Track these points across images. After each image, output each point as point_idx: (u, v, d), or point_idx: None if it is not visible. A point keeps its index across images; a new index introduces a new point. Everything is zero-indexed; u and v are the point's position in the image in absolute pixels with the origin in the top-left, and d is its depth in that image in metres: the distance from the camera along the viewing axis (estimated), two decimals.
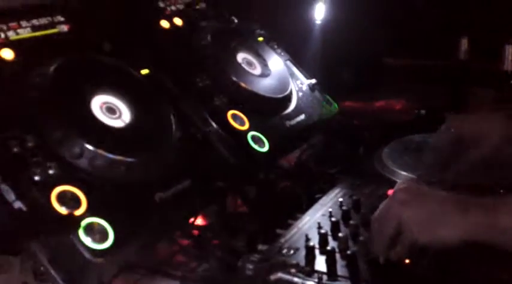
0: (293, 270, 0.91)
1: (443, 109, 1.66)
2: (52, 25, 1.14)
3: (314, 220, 1.10)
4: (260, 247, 1.03)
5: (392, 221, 0.92)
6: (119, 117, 1.03)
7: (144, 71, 1.18)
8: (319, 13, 1.72)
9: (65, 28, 1.15)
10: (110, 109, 1.03)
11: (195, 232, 1.16)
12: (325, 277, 0.90)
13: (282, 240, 1.03)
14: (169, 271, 1.05)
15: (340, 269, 0.93)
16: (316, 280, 0.88)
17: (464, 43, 1.70)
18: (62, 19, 1.15)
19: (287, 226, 1.09)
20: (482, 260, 0.91)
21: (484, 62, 1.71)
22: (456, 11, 1.76)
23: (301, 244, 1.00)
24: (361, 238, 1.00)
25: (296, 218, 1.13)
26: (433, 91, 1.77)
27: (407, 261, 0.93)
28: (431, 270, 0.90)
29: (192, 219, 1.15)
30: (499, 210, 0.83)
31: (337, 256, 0.96)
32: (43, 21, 1.12)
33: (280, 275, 0.89)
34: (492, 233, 0.83)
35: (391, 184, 1.07)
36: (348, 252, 0.95)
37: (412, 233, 0.89)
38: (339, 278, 0.91)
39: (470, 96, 1.72)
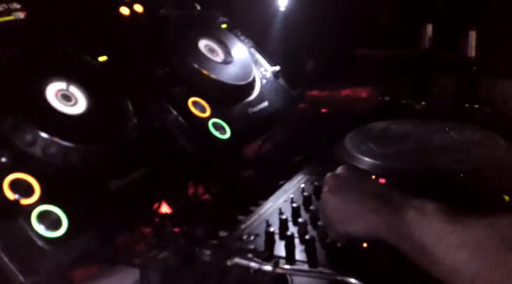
0: (250, 255, 0.91)
1: (407, 96, 1.68)
2: (8, 12, 1.11)
3: (276, 206, 1.11)
4: (221, 233, 1.03)
5: (323, 207, 0.93)
6: (75, 104, 1.02)
7: (102, 58, 1.16)
8: (283, 0, 1.72)
9: (21, 15, 1.13)
10: (66, 97, 1.02)
11: (156, 220, 1.15)
12: (282, 261, 0.90)
13: (243, 227, 1.03)
14: (129, 259, 1.04)
15: (299, 253, 0.94)
16: (272, 264, 0.88)
17: (428, 30, 1.70)
18: (18, 6, 1.13)
19: (249, 213, 1.10)
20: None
21: (448, 48, 1.72)
22: None
23: (262, 230, 1.00)
24: (319, 223, 1.01)
25: (258, 205, 1.13)
26: (398, 79, 1.78)
27: (365, 245, 0.93)
28: (388, 254, 0.91)
29: (154, 207, 1.15)
30: (402, 211, 0.79)
31: (297, 241, 0.97)
32: None
33: (236, 260, 0.89)
34: (391, 234, 0.80)
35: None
36: (306, 237, 0.96)
37: (332, 222, 0.91)
38: (297, 262, 0.91)
39: (432, 83, 1.73)
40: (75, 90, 1.04)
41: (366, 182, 0.94)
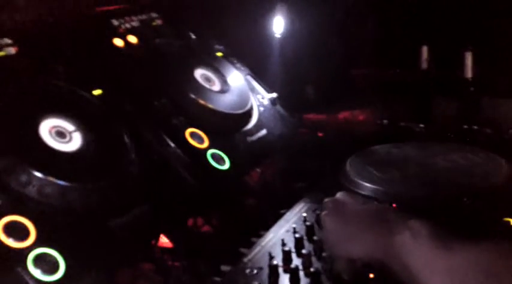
0: None
1: (408, 118, 1.67)
2: None
3: (278, 237, 1.09)
4: (223, 267, 1.01)
5: (323, 232, 0.95)
6: (70, 141, 1.00)
7: (97, 92, 1.14)
8: (278, 27, 1.71)
9: (12, 51, 1.11)
10: (60, 133, 0.99)
11: (157, 255, 1.12)
12: None
13: (245, 260, 1.02)
14: None
15: None
16: None
17: (424, 52, 1.70)
18: (10, 41, 1.12)
19: (250, 245, 1.07)
20: None
21: (445, 70, 1.71)
22: (415, 20, 1.77)
23: (265, 263, 0.98)
24: (324, 254, 0.98)
25: (260, 236, 1.11)
26: (397, 101, 1.77)
27: (371, 276, 0.91)
28: None
29: (154, 242, 1.12)
30: (396, 231, 0.79)
31: (301, 273, 0.94)
32: None
33: None
34: (385, 255, 0.80)
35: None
36: (311, 269, 0.94)
37: (331, 246, 0.92)
38: None
39: (433, 104, 1.72)
40: (69, 126, 1.02)
41: (362, 203, 0.94)
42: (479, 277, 0.66)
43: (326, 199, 0.98)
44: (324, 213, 0.96)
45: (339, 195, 0.98)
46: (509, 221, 1.05)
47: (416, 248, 0.75)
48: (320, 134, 1.64)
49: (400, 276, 0.76)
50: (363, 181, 1.19)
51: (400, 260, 0.76)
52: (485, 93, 1.63)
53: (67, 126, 1.02)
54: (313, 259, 0.99)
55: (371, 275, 0.91)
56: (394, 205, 1.06)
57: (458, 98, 1.66)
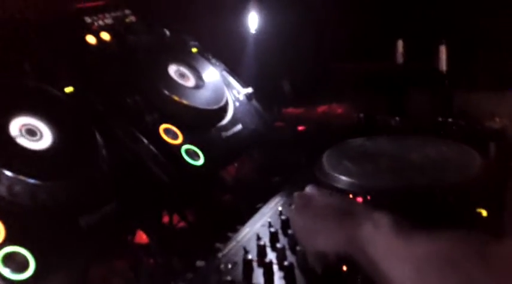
0: None
1: (383, 111, 1.68)
2: None
3: (253, 231, 1.09)
4: (198, 263, 1.01)
5: (292, 227, 0.96)
6: (40, 139, 0.99)
7: (68, 89, 1.13)
8: (253, 23, 1.71)
9: None
10: (30, 131, 0.99)
11: (131, 252, 1.12)
12: None
13: (220, 255, 1.01)
14: None
15: (278, 280, 0.92)
16: None
17: (399, 46, 1.71)
18: None
19: (226, 240, 1.07)
20: None
21: (421, 62, 1.73)
22: (391, 14, 1.78)
23: (240, 257, 0.98)
24: (298, 248, 0.99)
25: (236, 231, 1.11)
26: (376, 94, 1.78)
27: (344, 269, 0.92)
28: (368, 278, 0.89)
29: (129, 239, 1.12)
30: (360, 224, 0.80)
31: (276, 267, 0.95)
32: None
33: None
34: (351, 248, 0.81)
35: (331, 190, 1.07)
36: (285, 263, 0.94)
37: (301, 241, 0.93)
38: None
39: (408, 97, 1.73)
40: (40, 124, 1.01)
41: (330, 198, 0.95)
42: (437, 264, 0.68)
43: (295, 194, 0.99)
44: (291, 207, 0.97)
45: (307, 188, 0.99)
46: (481, 213, 1.06)
47: (378, 239, 0.77)
48: (300, 128, 1.65)
49: (366, 267, 0.77)
50: (338, 174, 1.19)
51: (364, 252, 0.77)
52: (459, 86, 1.65)
53: (38, 124, 1.01)
54: (288, 252, 0.99)
55: (344, 268, 0.91)
56: (368, 197, 1.07)
57: (433, 91, 1.68)
